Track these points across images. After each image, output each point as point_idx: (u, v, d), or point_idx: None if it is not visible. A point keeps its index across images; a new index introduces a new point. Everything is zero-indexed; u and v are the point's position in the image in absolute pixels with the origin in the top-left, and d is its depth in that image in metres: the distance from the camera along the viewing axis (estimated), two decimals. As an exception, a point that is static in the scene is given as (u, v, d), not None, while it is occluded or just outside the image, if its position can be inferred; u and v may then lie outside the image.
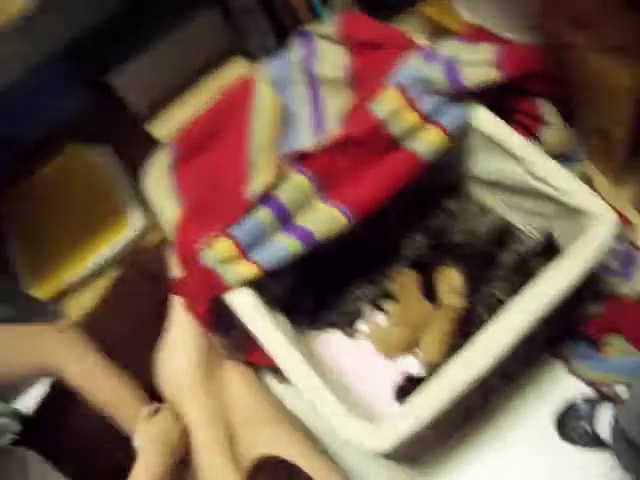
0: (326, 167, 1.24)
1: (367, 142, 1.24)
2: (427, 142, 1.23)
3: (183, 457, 1.23)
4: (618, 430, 1.21)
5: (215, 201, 1.28)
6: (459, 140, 1.29)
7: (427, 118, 1.23)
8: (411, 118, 1.23)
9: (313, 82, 1.37)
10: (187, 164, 1.35)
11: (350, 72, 1.34)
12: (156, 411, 1.23)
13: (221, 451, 1.27)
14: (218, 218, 1.23)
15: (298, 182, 1.23)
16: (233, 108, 1.38)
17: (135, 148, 1.60)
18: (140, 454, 1.15)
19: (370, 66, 1.32)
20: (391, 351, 1.47)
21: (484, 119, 1.24)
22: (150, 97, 1.84)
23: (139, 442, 1.16)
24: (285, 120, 1.36)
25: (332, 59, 1.35)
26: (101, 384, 1.21)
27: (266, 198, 1.23)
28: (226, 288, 1.21)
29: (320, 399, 1.10)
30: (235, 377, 1.42)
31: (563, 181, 1.15)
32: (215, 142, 1.35)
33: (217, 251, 1.20)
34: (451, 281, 1.44)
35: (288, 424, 1.34)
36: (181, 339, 1.33)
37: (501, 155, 1.25)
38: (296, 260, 1.23)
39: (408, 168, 1.24)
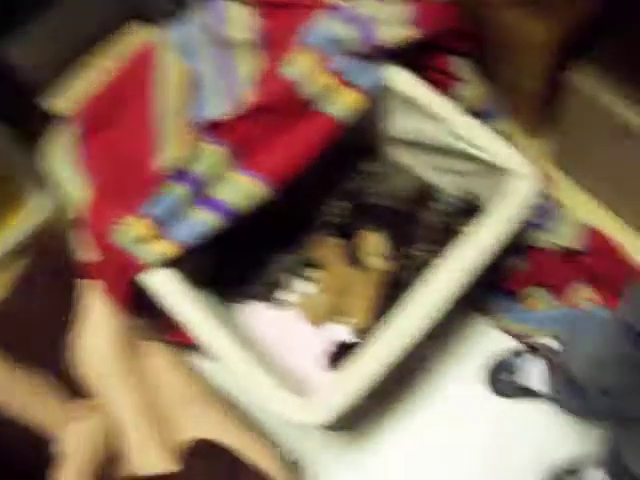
0: (240, 135, 1.19)
1: (281, 107, 1.19)
2: (343, 104, 1.19)
3: (112, 454, 1.17)
4: (559, 374, 1.24)
5: (126, 178, 1.20)
6: (376, 101, 1.26)
7: (342, 80, 1.19)
8: (325, 80, 1.19)
9: (221, 45, 1.30)
10: (92, 139, 1.26)
11: (260, 34, 1.28)
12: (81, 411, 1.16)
13: (151, 436, 1.22)
14: (130, 196, 1.16)
15: (212, 153, 1.17)
16: (135, 77, 1.29)
17: (31, 124, 1.49)
18: (67, 461, 1.08)
19: (281, 27, 1.26)
20: (319, 319, 1.46)
21: (402, 79, 1.21)
22: (44, 68, 1.70)
23: (64, 447, 1.09)
24: (194, 87, 1.28)
25: (240, 21, 1.28)
26: (10, 389, 1.13)
27: (179, 172, 1.17)
28: (143, 269, 1.15)
29: (248, 374, 1.07)
30: (159, 359, 1.37)
31: (484, 139, 1.14)
32: (120, 115, 1.26)
33: (132, 231, 1.14)
34: (373, 244, 1.43)
35: (217, 404, 1.31)
36: (99, 325, 1.26)
37: (420, 115, 1.23)
38: (216, 234, 1.18)
39: (325, 132, 1.20)
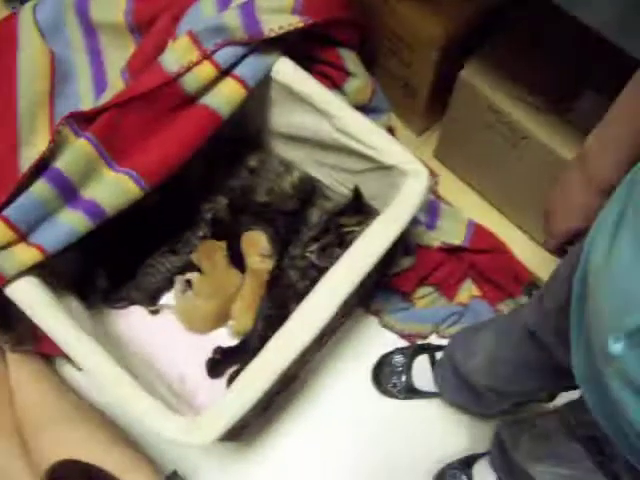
0: (112, 129, 1.07)
1: (157, 99, 1.08)
2: (224, 97, 1.11)
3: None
4: (449, 368, 1.24)
5: None
6: (259, 92, 1.19)
7: (224, 70, 1.10)
8: (206, 71, 1.09)
9: (89, 28, 1.18)
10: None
11: (132, 17, 1.17)
12: None
13: (19, 455, 1.14)
14: None
15: (80, 148, 1.04)
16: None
17: None
18: None
19: (154, 10, 1.16)
20: (199, 327, 1.37)
21: (286, 70, 1.14)
22: None
23: None
24: (60, 74, 1.16)
25: (109, 1, 1.17)
26: None
27: (43, 169, 1.03)
28: (3, 279, 1.01)
29: (125, 394, 0.96)
30: (23, 375, 1.25)
31: (373, 137, 1.10)
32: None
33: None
34: (256, 244, 1.36)
35: (86, 422, 1.20)
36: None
37: (305, 109, 1.16)
38: (85, 236, 1.07)
39: (204, 126, 1.11)
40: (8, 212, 1.01)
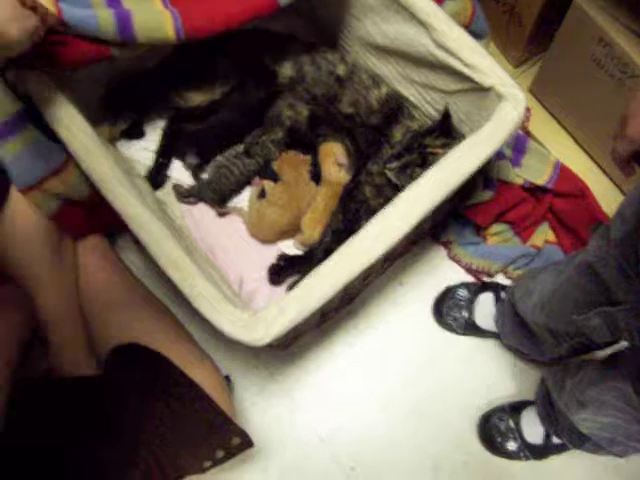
0: None
1: None
2: None
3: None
4: (509, 307, 1.21)
5: None
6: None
7: None
8: None
9: None
10: None
11: None
12: None
13: (75, 337, 1.16)
14: None
15: None
16: None
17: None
18: None
19: None
20: (267, 235, 1.35)
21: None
22: None
23: None
24: None
25: None
26: None
27: None
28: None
29: (186, 278, 0.94)
30: (92, 259, 1.26)
31: (473, 55, 1.03)
32: None
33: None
34: (333, 154, 1.32)
35: (149, 308, 1.21)
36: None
37: (404, 18, 1.10)
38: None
39: (261, 6, 1.06)
40: None
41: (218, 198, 1.35)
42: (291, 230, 1.33)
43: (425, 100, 1.25)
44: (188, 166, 1.37)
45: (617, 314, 0.82)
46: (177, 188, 1.36)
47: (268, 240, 1.35)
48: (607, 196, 1.38)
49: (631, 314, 0.79)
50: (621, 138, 0.82)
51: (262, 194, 1.35)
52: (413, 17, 1.08)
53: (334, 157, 1.31)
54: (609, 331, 0.85)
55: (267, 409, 1.33)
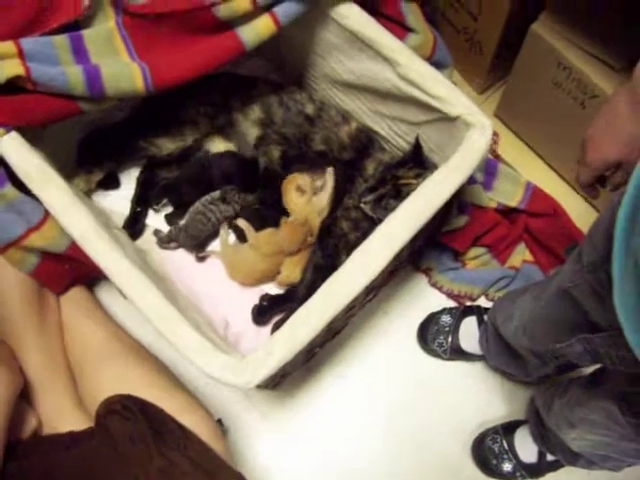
0: (142, 29, 1.09)
1: (191, 19, 1.07)
2: (255, 30, 1.08)
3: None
4: (492, 330, 1.22)
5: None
6: (319, 37, 1.16)
7: (260, 6, 1.07)
8: (244, 4, 1.06)
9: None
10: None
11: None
12: None
13: (64, 395, 1.15)
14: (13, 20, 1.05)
15: (106, 28, 1.08)
16: None
17: None
18: None
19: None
20: (246, 279, 1.35)
21: (353, 15, 1.10)
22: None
23: None
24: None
25: None
26: None
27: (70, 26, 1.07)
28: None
29: (172, 329, 0.94)
30: (74, 311, 1.25)
31: (438, 87, 1.06)
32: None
33: None
34: (294, 181, 1.32)
35: (136, 358, 1.20)
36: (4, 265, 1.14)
37: (368, 55, 1.13)
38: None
39: (225, 52, 1.09)
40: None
41: (195, 243, 1.35)
42: (271, 274, 1.33)
43: (395, 133, 1.27)
44: (166, 217, 1.38)
45: (596, 340, 0.82)
46: (158, 234, 1.36)
47: (247, 284, 1.35)
48: (580, 213, 1.41)
49: (609, 342, 0.79)
50: (582, 164, 0.83)
51: (241, 236, 1.36)
52: (377, 54, 1.11)
53: (294, 183, 1.32)
54: (590, 356, 0.86)
55: (261, 450, 1.32)
